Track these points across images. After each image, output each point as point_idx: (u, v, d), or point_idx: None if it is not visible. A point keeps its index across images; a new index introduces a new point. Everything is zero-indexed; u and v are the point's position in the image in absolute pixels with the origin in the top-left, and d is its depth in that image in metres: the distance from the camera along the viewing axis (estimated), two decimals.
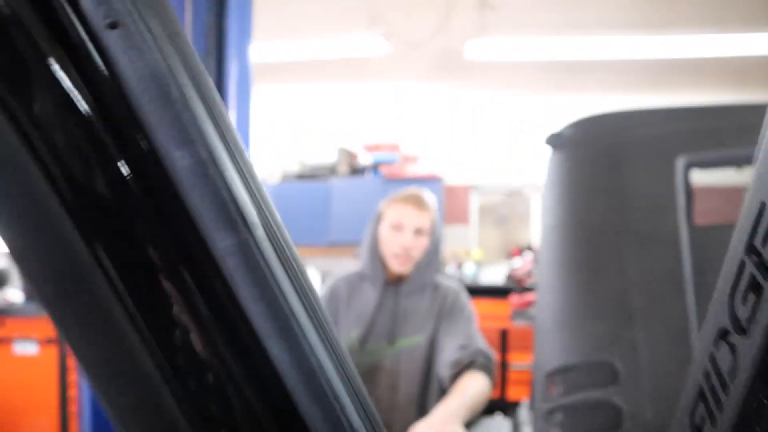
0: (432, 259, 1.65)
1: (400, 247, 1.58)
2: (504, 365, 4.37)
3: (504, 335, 4.35)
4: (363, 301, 1.64)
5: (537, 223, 5.42)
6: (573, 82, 5.24)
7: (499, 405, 4.37)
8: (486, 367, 1.45)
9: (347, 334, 1.60)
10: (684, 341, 0.81)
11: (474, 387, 1.38)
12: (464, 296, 1.67)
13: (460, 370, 1.44)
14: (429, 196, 1.69)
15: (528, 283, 4.20)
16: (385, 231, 1.62)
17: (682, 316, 0.83)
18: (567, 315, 0.89)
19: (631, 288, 0.88)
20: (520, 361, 4.31)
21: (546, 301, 0.94)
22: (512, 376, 4.32)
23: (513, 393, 4.33)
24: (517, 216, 5.67)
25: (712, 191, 2.20)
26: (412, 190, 1.69)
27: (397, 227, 1.60)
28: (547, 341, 0.89)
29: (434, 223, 1.66)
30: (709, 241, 0.92)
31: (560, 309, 0.90)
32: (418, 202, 1.63)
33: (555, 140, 1.19)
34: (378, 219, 1.67)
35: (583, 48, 4.05)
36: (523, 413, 1.40)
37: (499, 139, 5.35)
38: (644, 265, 0.90)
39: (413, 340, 1.57)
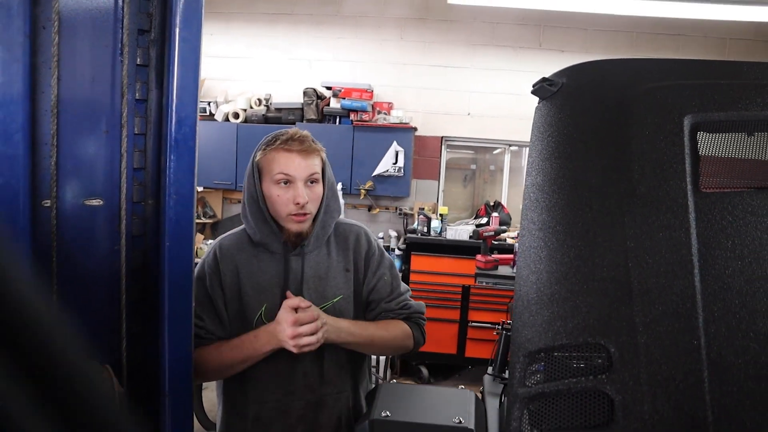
0: (329, 204, 1.41)
1: (293, 204, 1.33)
2: (464, 323, 4.36)
3: (466, 293, 4.32)
4: (263, 271, 1.39)
5: (508, 182, 5.34)
6: (553, 38, 5.08)
7: (457, 361, 4.40)
8: (417, 323, 1.45)
9: (257, 310, 1.37)
10: (689, 324, 0.70)
11: (387, 330, 1.38)
12: (371, 235, 1.48)
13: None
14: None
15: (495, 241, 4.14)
16: (270, 187, 1.35)
17: (686, 294, 0.72)
18: (555, 287, 0.77)
19: (629, 260, 0.76)
20: (480, 320, 4.31)
21: (530, 270, 0.81)
22: (471, 333, 4.33)
23: (471, 351, 4.35)
24: (487, 173, 5.58)
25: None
26: (292, 131, 1.38)
27: (286, 180, 1.33)
28: (529, 317, 0.77)
29: (325, 163, 1.40)
30: (717, 209, 0.80)
31: (547, 280, 0.78)
32: (304, 146, 1.34)
33: (545, 89, 1.05)
34: (257, 173, 1.37)
35: None
36: (488, 383, 1.32)
37: (473, 93, 5.18)
38: (646, 234, 0.78)
39: (332, 302, 1.38)
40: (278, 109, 5.05)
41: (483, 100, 5.17)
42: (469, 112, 5.19)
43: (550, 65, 4.47)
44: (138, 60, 1.20)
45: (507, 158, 5.33)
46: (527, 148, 5.07)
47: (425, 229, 4.67)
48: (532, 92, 1.09)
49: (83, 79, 1.15)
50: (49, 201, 1.11)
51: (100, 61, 1.16)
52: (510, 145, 5.29)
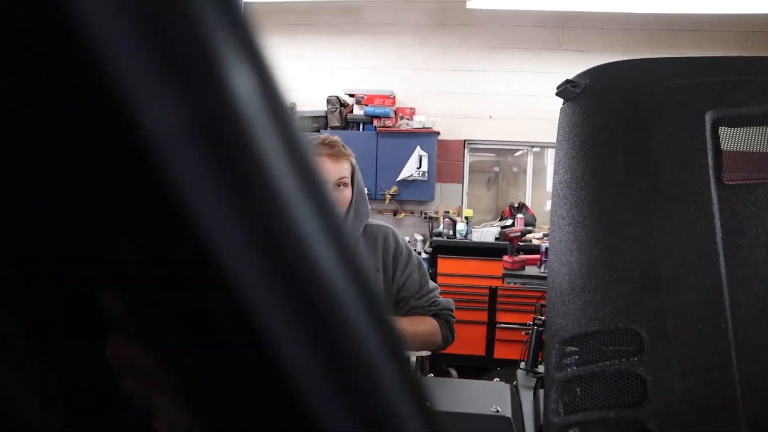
0: (358, 208, 1.48)
1: None
2: (492, 324, 4.39)
3: (493, 295, 4.35)
4: None
5: (531, 183, 5.35)
6: (572, 38, 5.09)
7: (486, 362, 4.42)
8: (446, 321, 1.48)
9: None
10: (715, 309, 0.74)
11: (414, 324, 1.41)
12: (398, 235, 1.54)
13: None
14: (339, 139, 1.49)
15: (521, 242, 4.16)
16: None
17: (712, 282, 0.76)
18: (586, 278, 0.82)
19: (657, 251, 0.80)
20: (508, 321, 4.32)
21: (561, 262, 0.86)
22: (499, 335, 4.34)
23: (499, 352, 4.36)
24: (510, 175, 5.59)
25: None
26: (323, 136, 1.47)
27: None
28: (562, 306, 0.82)
29: (355, 168, 1.48)
30: (740, 200, 0.84)
31: (578, 272, 0.83)
32: (334, 150, 1.43)
33: (569, 90, 1.09)
34: None
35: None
36: (521, 377, 1.36)
37: (495, 96, 5.21)
38: (671, 226, 0.82)
39: None
40: (302, 118, 5.15)
41: (504, 102, 5.19)
42: (491, 114, 5.22)
43: (570, 66, 4.47)
44: None
45: (530, 160, 5.34)
46: (550, 150, 5.08)
47: (451, 232, 4.71)
48: (557, 94, 1.13)
49: None
50: None
51: None
52: (532, 147, 5.29)
